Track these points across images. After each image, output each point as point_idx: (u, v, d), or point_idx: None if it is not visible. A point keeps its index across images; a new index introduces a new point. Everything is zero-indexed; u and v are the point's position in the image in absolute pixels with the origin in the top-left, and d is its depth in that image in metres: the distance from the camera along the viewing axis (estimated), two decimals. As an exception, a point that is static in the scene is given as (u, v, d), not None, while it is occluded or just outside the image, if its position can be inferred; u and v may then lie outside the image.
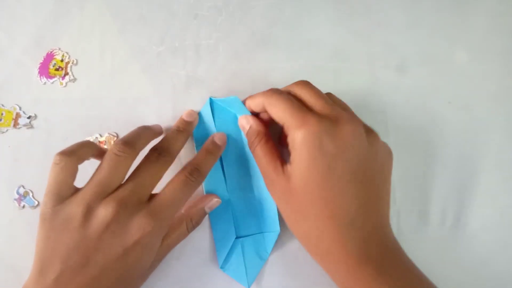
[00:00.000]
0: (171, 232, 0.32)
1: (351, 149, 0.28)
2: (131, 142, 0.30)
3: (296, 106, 0.29)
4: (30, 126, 0.37)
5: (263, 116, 0.33)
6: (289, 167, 0.29)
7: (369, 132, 0.30)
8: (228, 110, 0.35)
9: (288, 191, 0.29)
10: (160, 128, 0.35)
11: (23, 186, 0.36)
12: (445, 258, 0.36)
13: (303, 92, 0.30)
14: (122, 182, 0.30)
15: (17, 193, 0.36)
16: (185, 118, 0.34)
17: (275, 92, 0.30)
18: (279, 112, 0.29)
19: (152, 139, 0.33)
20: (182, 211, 0.34)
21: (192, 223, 0.33)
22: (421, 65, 0.38)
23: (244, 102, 0.34)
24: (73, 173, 0.29)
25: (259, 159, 0.31)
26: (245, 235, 0.35)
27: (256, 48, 0.38)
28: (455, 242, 0.37)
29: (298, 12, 0.39)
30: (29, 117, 0.37)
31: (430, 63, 0.38)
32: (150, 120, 0.37)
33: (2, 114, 0.37)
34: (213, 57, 0.38)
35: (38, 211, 0.36)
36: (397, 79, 0.38)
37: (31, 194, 0.36)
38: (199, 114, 0.36)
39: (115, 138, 0.37)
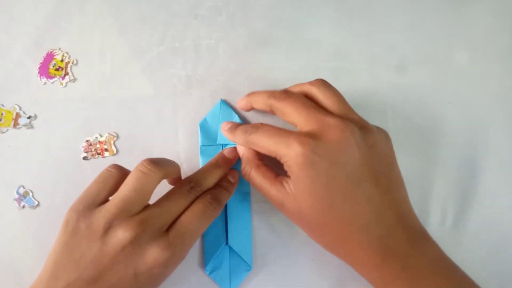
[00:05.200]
0: None
1: (344, 155, 0.27)
2: (159, 163, 0.29)
3: (275, 133, 0.29)
4: (30, 126, 0.37)
5: None
6: (292, 187, 0.28)
7: (362, 128, 0.29)
8: (235, 114, 0.36)
9: (299, 210, 0.29)
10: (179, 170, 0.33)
11: (23, 186, 0.36)
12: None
13: (283, 107, 0.30)
14: (148, 202, 0.29)
15: (17, 193, 0.36)
16: (227, 155, 0.34)
17: (252, 129, 0.30)
18: (264, 148, 0.29)
19: (176, 175, 0.32)
20: None
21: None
22: (421, 65, 0.38)
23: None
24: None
25: (259, 185, 0.31)
26: (233, 245, 0.34)
27: (256, 48, 0.38)
28: (455, 242, 0.37)
29: (298, 12, 0.39)
30: (29, 117, 0.37)
31: (430, 63, 0.38)
32: (150, 120, 0.37)
33: (2, 114, 0.37)
34: (213, 57, 0.38)
35: (38, 211, 0.36)
36: (397, 79, 0.38)
37: (31, 194, 0.36)
38: (201, 124, 0.36)
39: (115, 138, 0.37)
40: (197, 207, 0.30)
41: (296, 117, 0.29)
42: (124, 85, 0.38)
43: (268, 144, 0.29)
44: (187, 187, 0.30)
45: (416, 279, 0.28)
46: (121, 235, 0.27)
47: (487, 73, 0.38)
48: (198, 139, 0.36)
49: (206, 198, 0.31)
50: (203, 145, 0.36)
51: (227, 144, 0.35)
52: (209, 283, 0.35)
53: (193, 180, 0.31)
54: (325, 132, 0.27)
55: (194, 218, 0.30)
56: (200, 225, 0.30)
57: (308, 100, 0.30)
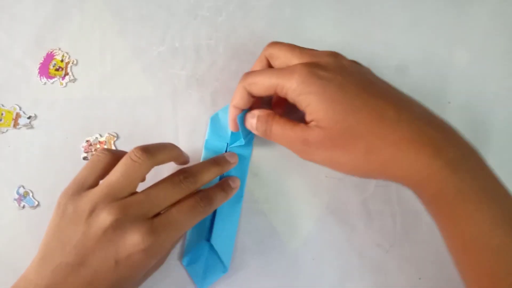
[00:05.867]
0: None
1: (345, 67, 0.29)
2: (150, 151, 0.29)
3: (273, 70, 0.30)
4: (30, 126, 0.37)
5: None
6: (309, 117, 0.28)
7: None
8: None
9: (323, 134, 0.28)
10: (187, 158, 0.34)
11: (23, 186, 0.36)
12: (445, 258, 0.36)
13: (276, 51, 0.31)
14: (135, 190, 0.29)
15: (17, 193, 0.36)
16: (227, 158, 0.34)
17: (248, 73, 0.31)
18: (265, 83, 0.29)
19: (176, 160, 0.32)
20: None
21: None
22: (421, 65, 0.38)
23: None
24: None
25: (282, 134, 0.30)
26: (214, 243, 0.34)
27: (256, 48, 0.38)
28: (455, 242, 0.37)
29: (298, 12, 0.39)
30: (29, 117, 0.37)
31: (430, 63, 0.38)
32: (150, 120, 0.37)
33: (2, 114, 0.37)
34: (213, 57, 0.38)
35: (38, 211, 0.36)
36: (397, 79, 0.38)
37: (31, 194, 0.36)
38: (212, 118, 0.36)
39: (115, 138, 0.37)
40: (187, 202, 0.30)
41: (290, 56, 0.30)
42: (124, 85, 0.38)
43: (270, 79, 0.29)
44: (180, 177, 0.30)
45: (482, 163, 0.28)
46: (103, 218, 0.27)
47: (487, 73, 0.38)
48: (199, 137, 0.36)
49: (198, 194, 0.31)
50: (209, 139, 0.36)
51: (232, 143, 0.35)
52: (188, 279, 0.34)
53: (188, 171, 0.31)
54: (320, 59, 0.29)
55: (182, 211, 0.29)
56: (187, 219, 0.29)
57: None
